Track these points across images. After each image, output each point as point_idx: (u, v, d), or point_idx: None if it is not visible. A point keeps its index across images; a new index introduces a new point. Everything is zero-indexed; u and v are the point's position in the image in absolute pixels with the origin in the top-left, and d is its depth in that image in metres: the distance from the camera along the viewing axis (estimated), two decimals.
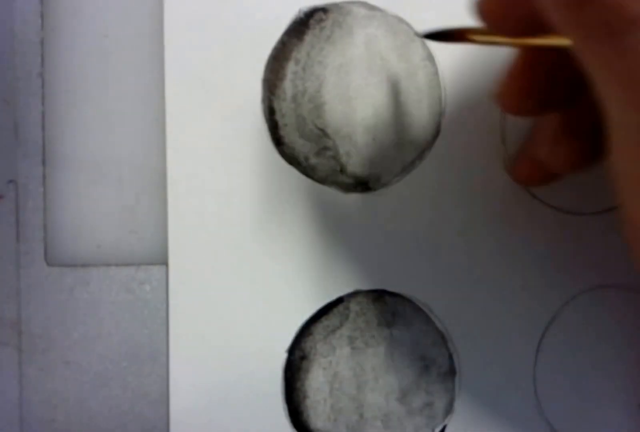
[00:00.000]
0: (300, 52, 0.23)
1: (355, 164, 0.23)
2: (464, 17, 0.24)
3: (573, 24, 0.13)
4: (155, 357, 0.23)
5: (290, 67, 0.23)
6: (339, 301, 0.23)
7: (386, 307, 0.24)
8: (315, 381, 0.23)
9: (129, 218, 0.23)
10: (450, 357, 0.24)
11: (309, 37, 0.23)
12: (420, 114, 0.24)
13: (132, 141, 0.23)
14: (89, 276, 0.23)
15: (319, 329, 0.23)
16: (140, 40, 0.23)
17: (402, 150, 0.24)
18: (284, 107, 0.23)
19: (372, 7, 0.23)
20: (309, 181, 0.23)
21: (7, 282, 0.23)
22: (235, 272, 0.23)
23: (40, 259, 0.23)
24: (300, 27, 0.23)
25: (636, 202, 0.13)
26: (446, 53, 0.24)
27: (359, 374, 0.23)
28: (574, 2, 0.12)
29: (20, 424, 0.23)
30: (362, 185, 0.24)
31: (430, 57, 0.23)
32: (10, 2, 0.23)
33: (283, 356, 0.23)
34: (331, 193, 0.23)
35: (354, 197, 0.24)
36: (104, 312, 0.23)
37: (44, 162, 0.23)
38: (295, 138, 0.23)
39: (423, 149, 0.24)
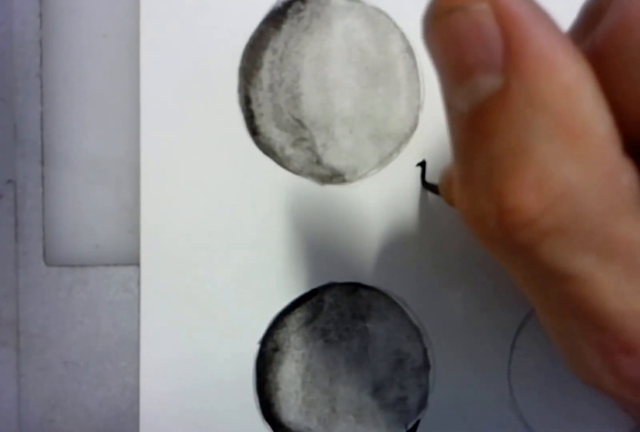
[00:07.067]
0: (278, 42, 0.23)
1: (331, 156, 0.23)
2: None
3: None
4: None
5: (267, 56, 0.23)
6: (313, 292, 0.23)
7: (361, 300, 0.23)
8: (288, 373, 0.23)
9: (128, 218, 0.23)
10: (425, 351, 0.24)
11: (286, 27, 0.23)
12: (398, 106, 0.23)
13: (131, 141, 0.23)
14: (88, 276, 0.23)
15: (292, 320, 0.23)
16: (139, 40, 0.23)
17: (379, 143, 0.23)
18: (261, 97, 0.23)
19: None
20: (284, 172, 0.23)
21: (5, 282, 0.23)
22: (208, 263, 0.23)
23: (38, 258, 0.23)
24: (278, 16, 0.23)
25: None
26: None
27: (332, 367, 0.23)
28: None
29: (19, 424, 0.23)
30: (338, 177, 0.23)
31: (409, 50, 0.23)
32: (9, 2, 0.23)
33: (255, 348, 0.23)
34: (307, 184, 0.23)
35: (330, 189, 0.23)
36: (103, 312, 0.23)
37: (42, 162, 0.23)
38: (272, 128, 0.23)
39: (400, 142, 0.23)
